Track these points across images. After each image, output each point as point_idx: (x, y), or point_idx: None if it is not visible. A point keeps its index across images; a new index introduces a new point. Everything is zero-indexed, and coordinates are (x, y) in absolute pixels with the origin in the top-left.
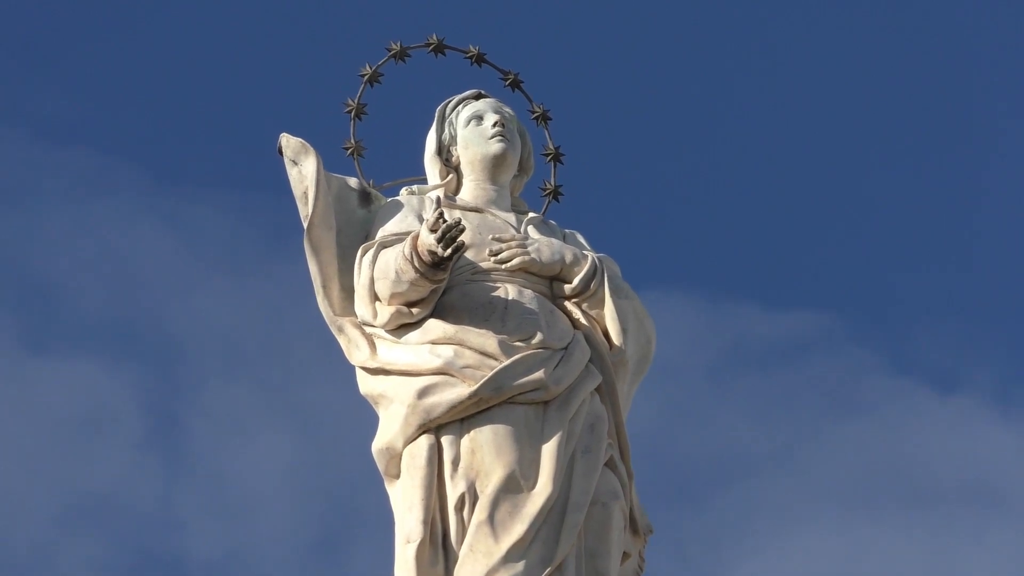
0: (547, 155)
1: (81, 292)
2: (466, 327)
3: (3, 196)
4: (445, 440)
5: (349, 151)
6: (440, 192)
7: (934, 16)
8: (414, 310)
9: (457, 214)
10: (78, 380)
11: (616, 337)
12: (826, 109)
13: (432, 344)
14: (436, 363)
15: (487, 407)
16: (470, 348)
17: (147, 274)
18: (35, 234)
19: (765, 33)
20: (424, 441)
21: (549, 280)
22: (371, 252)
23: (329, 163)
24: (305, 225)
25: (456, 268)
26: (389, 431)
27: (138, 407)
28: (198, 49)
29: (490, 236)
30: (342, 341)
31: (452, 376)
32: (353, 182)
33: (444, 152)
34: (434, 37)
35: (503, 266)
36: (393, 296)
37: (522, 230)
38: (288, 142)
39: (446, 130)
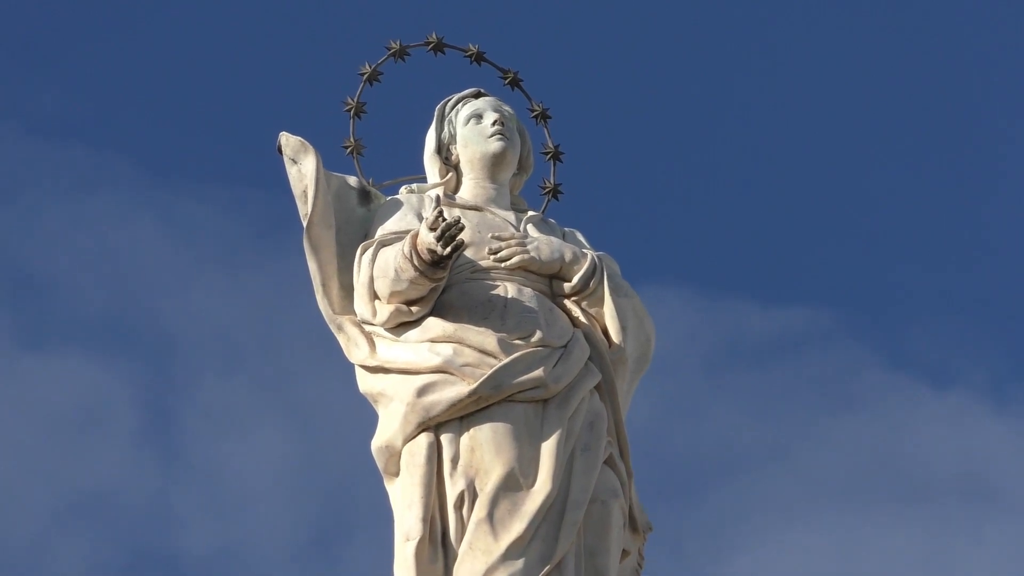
0: (546, 153)
1: (76, 288)
2: (465, 325)
3: None
4: (444, 438)
5: (348, 150)
6: (439, 190)
7: (927, 10)
8: (413, 308)
9: (456, 212)
10: (73, 376)
11: (615, 335)
12: (822, 106)
13: (431, 342)
14: (435, 361)
15: (486, 405)
16: (469, 346)
17: (143, 270)
18: (30, 230)
19: (762, 31)
20: (423, 439)
21: (548, 278)
22: (371, 250)
23: (328, 162)
24: (305, 224)
25: (455, 266)
26: (388, 429)
27: (133, 403)
28: (196, 46)
29: (489, 234)
30: (341, 339)
31: (451, 374)
32: (352, 180)
33: (443, 150)
34: (433, 36)
35: (502, 264)
36: (393, 294)
37: (521, 228)
38: (287, 141)
39: (445, 128)
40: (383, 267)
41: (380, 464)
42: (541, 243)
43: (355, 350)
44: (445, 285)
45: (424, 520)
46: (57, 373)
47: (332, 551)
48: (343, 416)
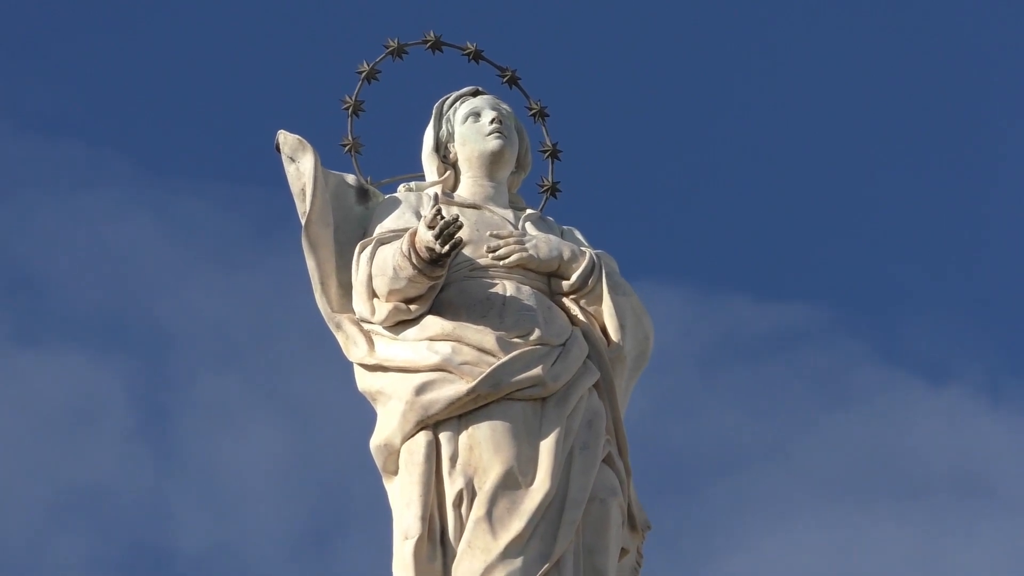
0: (544, 151)
1: (72, 285)
2: (464, 323)
3: None
4: (443, 436)
5: (346, 148)
6: (438, 189)
7: (927, 10)
8: (412, 307)
9: (455, 210)
10: (69, 373)
11: (614, 333)
12: (817, 103)
13: (430, 340)
14: (434, 359)
15: (485, 403)
16: (468, 344)
17: (139, 267)
18: (26, 227)
19: (758, 28)
20: (422, 437)
21: (547, 276)
22: (369, 249)
23: (327, 160)
24: (303, 222)
25: (454, 265)
26: (387, 427)
27: (128, 399)
28: (193, 43)
29: (488, 232)
30: (340, 338)
31: (450, 372)
32: (351, 179)
33: (442, 149)
34: (431, 34)
35: (501, 262)
36: (391, 293)
37: (520, 226)
38: (285, 139)
39: (443, 127)
40: (381, 265)
41: (379, 462)
42: (539, 241)
43: (354, 348)
44: (443, 283)
45: (423, 518)
46: (53, 369)
47: (327, 548)
48: (338, 413)
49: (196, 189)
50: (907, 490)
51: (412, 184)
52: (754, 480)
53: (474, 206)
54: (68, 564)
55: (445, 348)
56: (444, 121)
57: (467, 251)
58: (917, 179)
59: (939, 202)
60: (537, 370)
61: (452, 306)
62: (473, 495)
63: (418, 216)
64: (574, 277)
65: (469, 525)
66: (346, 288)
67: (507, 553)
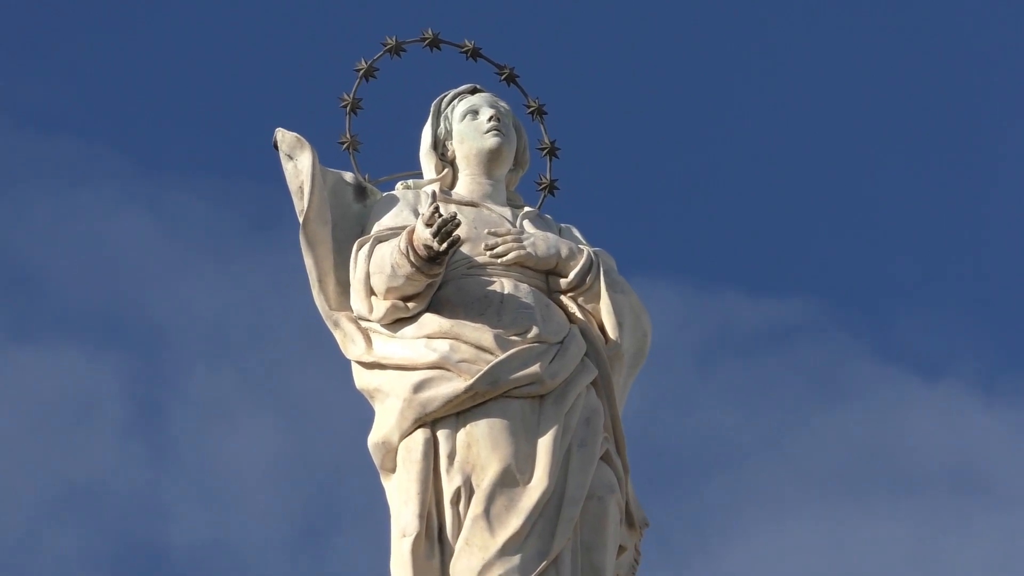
0: (542, 149)
1: (66, 280)
2: (462, 321)
3: None
4: (441, 434)
5: (344, 146)
6: (435, 186)
7: (927, 10)
8: (410, 304)
9: (452, 208)
10: (62, 368)
11: (612, 331)
12: (811, 99)
13: (428, 338)
14: (432, 357)
15: (483, 401)
16: (466, 342)
17: (131, 262)
18: (18, 222)
19: (755, 27)
20: (420, 435)
21: (545, 274)
22: (367, 246)
23: (325, 157)
24: (301, 220)
25: (452, 262)
26: (385, 425)
27: (122, 395)
28: (189, 39)
29: (486, 230)
30: (338, 335)
31: (448, 370)
32: (348, 176)
33: (440, 146)
34: (430, 32)
35: (499, 260)
36: (389, 290)
37: (518, 224)
38: (283, 137)
39: (441, 124)
40: (379, 263)
41: (376, 460)
42: (537, 239)
43: (351, 346)
44: (441, 281)
45: (420, 516)
46: (47, 365)
47: (322, 543)
48: (333, 409)
49: (192, 185)
50: (902, 485)
51: (410, 182)
52: (749, 475)
53: (472, 204)
54: (62, 559)
55: (443, 346)
56: (442, 119)
57: (465, 249)
58: (912, 175)
59: (934, 198)
60: (535, 368)
61: (450, 304)
62: (471, 493)
63: (416, 214)
64: (572, 275)
65: (467, 523)
66: (344, 286)
67: (505, 551)
